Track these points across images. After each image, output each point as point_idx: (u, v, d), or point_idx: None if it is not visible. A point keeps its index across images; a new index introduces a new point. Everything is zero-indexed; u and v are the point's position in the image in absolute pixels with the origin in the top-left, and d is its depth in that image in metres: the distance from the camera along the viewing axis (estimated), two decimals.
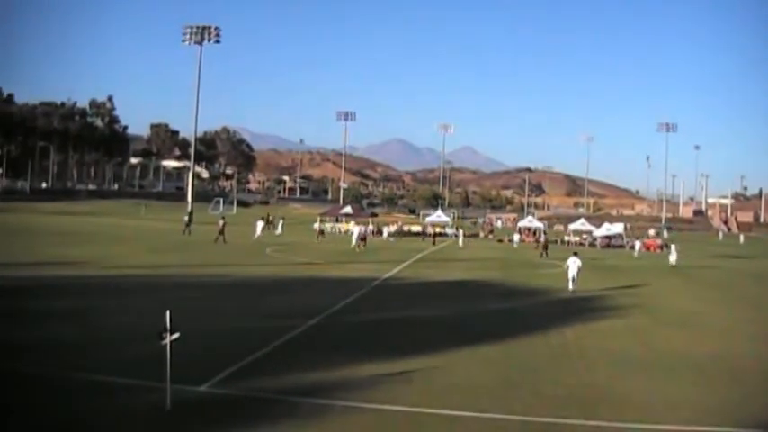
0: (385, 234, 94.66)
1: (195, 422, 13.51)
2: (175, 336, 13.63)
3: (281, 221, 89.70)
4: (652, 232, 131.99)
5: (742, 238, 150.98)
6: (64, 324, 22.39)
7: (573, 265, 40.17)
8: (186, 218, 78.86)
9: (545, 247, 69.81)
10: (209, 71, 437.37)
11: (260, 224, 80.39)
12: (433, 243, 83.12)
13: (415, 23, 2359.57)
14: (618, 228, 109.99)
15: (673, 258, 62.92)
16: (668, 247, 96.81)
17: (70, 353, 18.29)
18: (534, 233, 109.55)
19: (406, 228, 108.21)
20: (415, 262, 56.01)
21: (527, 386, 17.36)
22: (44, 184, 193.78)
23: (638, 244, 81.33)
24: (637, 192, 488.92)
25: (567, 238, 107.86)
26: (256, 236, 75.40)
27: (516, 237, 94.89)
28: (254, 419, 13.72)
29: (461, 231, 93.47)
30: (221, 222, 67.85)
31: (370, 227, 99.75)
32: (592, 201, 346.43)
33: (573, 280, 39.77)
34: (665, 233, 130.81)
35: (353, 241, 71.52)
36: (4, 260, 39.88)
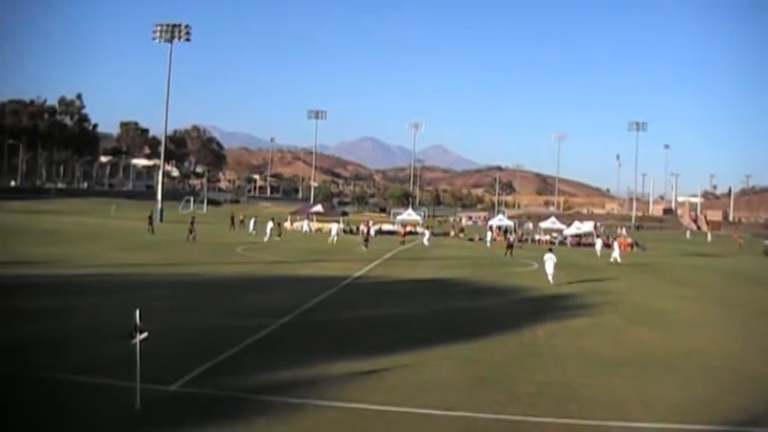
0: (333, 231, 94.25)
1: (165, 421, 13.47)
2: (144, 335, 13.59)
3: (252, 220, 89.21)
4: (623, 231, 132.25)
5: (709, 236, 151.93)
6: (33, 323, 22.23)
7: (549, 261, 42.27)
8: (149, 216, 78.20)
9: (510, 246, 68.93)
10: (180, 69, 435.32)
11: (270, 224, 79.79)
12: (402, 242, 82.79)
13: (386, 22, 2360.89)
14: (588, 226, 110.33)
15: (615, 254, 63.75)
16: (637, 245, 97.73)
17: (40, 352, 18.18)
18: (506, 232, 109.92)
19: (377, 227, 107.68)
20: (385, 261, 56.01)
21: (498, 384, 17.41)
22: (12, 183, 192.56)
23: (599, 242, 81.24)
24: (607, 190, 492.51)
25: (537, 237, 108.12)
26: (266, 238, 74.86)
27: (489, 235, 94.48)
28: (225, 418, 13.69)
29: (427, 230, 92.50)
30: (191, 221, 67.61)
31: (377, 226, 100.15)
32: (562, 199, 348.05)
33: (551, 275, 41.90)
34: (623, 231, 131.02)
35: (332, 238, 73.09)
36: None
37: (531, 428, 14.22)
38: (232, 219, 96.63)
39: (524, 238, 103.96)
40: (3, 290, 29.69)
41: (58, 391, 14.96)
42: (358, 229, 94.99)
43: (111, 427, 13.07)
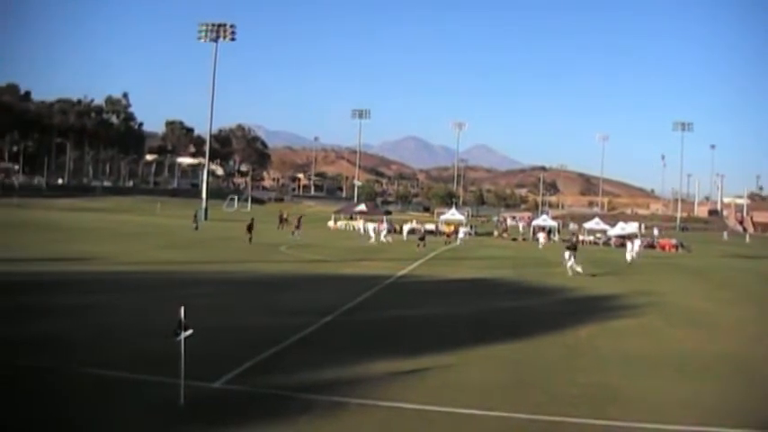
0: (405, 231, 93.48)
1: (208, 418, 13.52)
2: (189, 332, 13.68)
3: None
4: (656, 232, 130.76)
5: (747, 237, 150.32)
6: (78, 320, 22.41)
7: (569, 257, 47.42)
8: (194, 214, 78.64)
9: (573, 248, 66.94)
10: (225, 68, 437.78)
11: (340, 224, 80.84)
12: (447, 242, 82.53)
13: (432, 21, 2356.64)
14: (632, 227, 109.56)
15: (629, 255, 63.25)
16: (682, 246, 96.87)
17: (84, 348, 18.31)
18: (549, 232, 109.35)
19: (421, 226, 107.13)
20: (429, 260, 55.96)
21: (539, 385, 17.32)
22: (60, 181, 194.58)
23: (636, 243, 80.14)
24: (652, 191, 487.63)
25: (581, 237, 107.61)
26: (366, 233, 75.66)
27: (542, 236, 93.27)
28: (268, 416, 13.72)
29: (462, 229, 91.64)
30: (250, 221, 64.61)
31: (430, 225, 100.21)
32: (606, 200, 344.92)
33: (571, 268, 46.39)
34: (656, 232, 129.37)
35: (379, 238, 73.05)
36: (21, 255, 40.14)
37: (571, 429, 14.12)
38: (280, 217, 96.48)
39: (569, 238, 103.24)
40: (47, 286, 30.00)
41: (100, 386, 15.08)
42: (400, 228, 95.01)
43: (155, 423, 13.12)
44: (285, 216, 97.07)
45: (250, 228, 61.88)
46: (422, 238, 70.99)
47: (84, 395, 14.46)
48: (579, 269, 46.52)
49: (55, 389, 14.73)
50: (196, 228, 73.85)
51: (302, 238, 71.82)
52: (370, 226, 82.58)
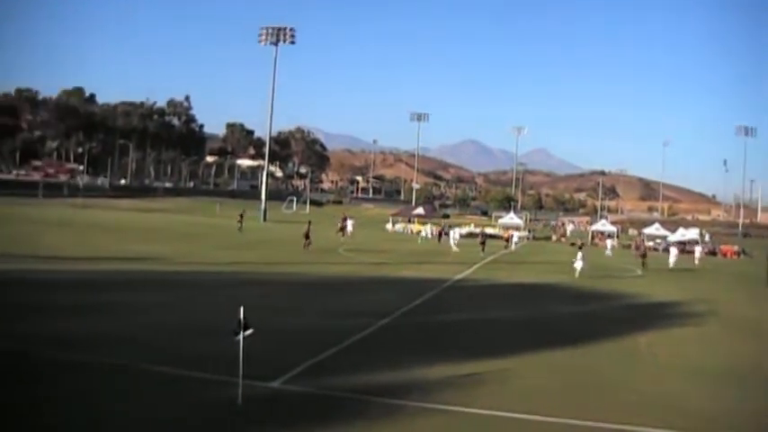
0: (455, 236, 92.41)
1: (266, 418, 13.59)
2: (249, 332, 13.77)
3: (350, 222, 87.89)
4: (707, 238, 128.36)
5: None
6: (139, 318, 22.70)
7: (578, 259, 47.65)
8: (241, 215, 78.46)
9: (644, 256, 64.85)
10: (284, 71, 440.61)
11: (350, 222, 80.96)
12: (506, 246, 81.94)
13: (490, 25, 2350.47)
14: (693, 233, 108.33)
15: (672, 261, 62.42)
16: (744, 253, 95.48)
17: (144, 346, 18.53)
18: (609, 237, 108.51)
19: (479, 229, 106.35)
20: (487, 264, 55.80)
21: (599, 391, 17.18)
22: (123, 181, 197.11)
23: (698, 250, 78.84)
24: (713, 196, 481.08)
25: (649, 244, 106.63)
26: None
27: (610, 243, 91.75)
28: (325, 417, 13.74)
29: (516, 233, 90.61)
30: (307, 225, 59.65)
31: (490, 229, 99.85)
32: (666, 205, 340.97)
33: (578, 270, 47.01)
34: (707, 238, 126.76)
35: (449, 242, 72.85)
36: (84, 254, 40.72)
37: None
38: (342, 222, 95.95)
39: (627, 244, 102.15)
40: (110, 284, 30.36)
41: (162, 384, 15.24)
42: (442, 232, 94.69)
43: (214, 422, 13.22)
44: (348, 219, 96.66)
45: (307, 235, 57.37)
46: (483, 243, 70.52)
47: (147, 393, 14.61)
48: (578, 268, 47.35)
49: (118, 386, 14.91)
50: (240, 229, 73.50)
51: (347, 239, 71.97)
52: (428, 228, 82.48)
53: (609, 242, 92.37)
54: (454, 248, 66.16)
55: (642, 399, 16.77)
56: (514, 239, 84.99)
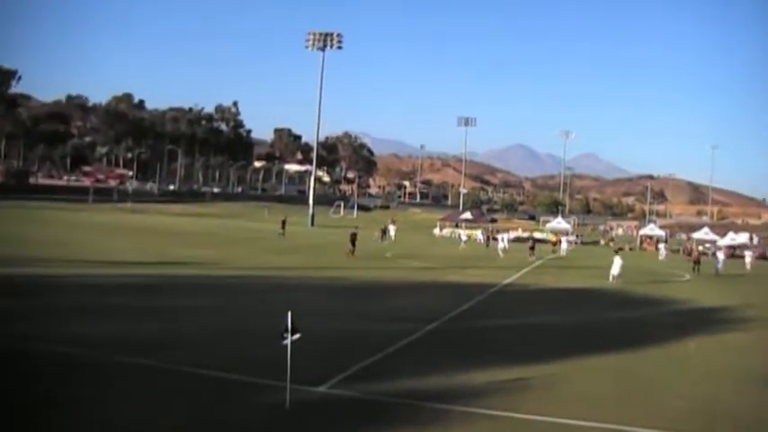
0: (504, 242, 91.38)
1: (314, 422, 13.66)
2: (296, 336, 13.85)
3: (392, 227, 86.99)
4: (754, 242, 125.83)
5: None
6: (188, 321, 22.95)
7: (616, 263, 46.27)
8: (283, 221, 76.72)
9: (697, 261, 63.56)
10: (332, 76, 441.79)
11: (392, 227, 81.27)
12: (554, 251, 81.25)
13: (537, 29, 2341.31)
14: (743, 237, 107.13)
15: (720, 266, 61.16)
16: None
17: (193, 350, 18.72)
18: (657, 242, 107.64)
19: (527, 234, 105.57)
20: (534, 268, 55.62)
21: (647, 397, 17.08)
22: (171, 186, 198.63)
23: (749, 255, 77.32)
24: (764, 200, 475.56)
25: (700, 248, 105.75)
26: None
27: (663, 247, 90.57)
28: (373, 422, 13.81)
29: (565, 239, 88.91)
30: (354, 230, 58.34)
31: (539, 234, 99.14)
32: (716, 209, 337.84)
33: (614, 276, 45.88)
34: (756, 242, 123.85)
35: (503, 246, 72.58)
36: (135, 259, 41.18)
37: None
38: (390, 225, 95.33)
39: (676, 249, 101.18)
40: (160, 289, 30.68)
41: (208, 388, 15.39)
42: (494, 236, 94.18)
43: (262, 424, 13.34)
44: (391, 224, 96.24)
45: (353, 240, 55.47)
46: (532, 248, 69.93)
47: (193, 396, 14.77)
48: (614, 274, 46.26)
49: (166, 389, 15.09)
50: (282, 234, 72.68)
51: (390, 243, 71.96)
52: (478, 233, 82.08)
53: (662, 246, 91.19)
54: (501, 254, 65.68)
55: (690, 405, 16.66)
56: (564, 245, 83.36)
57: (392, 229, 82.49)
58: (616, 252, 49.96)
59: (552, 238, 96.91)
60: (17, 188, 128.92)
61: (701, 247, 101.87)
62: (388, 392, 15.72)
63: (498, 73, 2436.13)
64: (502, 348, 22.26)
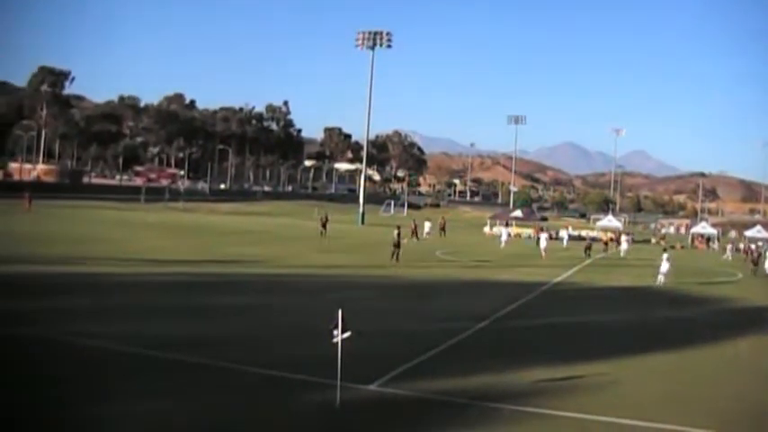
0: (565, 239, 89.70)
1: (364, 420, 13.82)
2: (347, 334, 13.97)
3: (427, 224, 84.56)
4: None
5: None
6: (238, 320, 23.25)
7: (664, 262, 43.64)
8: (323, 218, 72.31)
9: (755, 263, 60.58)
10: (382, 75, 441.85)
11: (428, 224, 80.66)
12: (605, 249, 79.62)
13: (586, 26, 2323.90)
14: None
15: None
16: None
17: (243, 348, 19.01)
18: (708, 240, 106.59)
19: (585, 233, 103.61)
20: (585, 267, 55.33)
21: (698, 398, 17.02)
22: (222, 186, 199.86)
23: None
24: None
25: (741, 246, 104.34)
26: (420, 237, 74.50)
27: (730, 248, 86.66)
28: (422, 421, 13.92)
29: (625, 238, 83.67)
30: (396, 232, 54.39)
31: (593, 233, 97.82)
32: None
33: (662, 275, 43.28)
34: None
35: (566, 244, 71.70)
36: (188, 258, 41.61)
37: None
38: (441, 225, 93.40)
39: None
40: (211, 287, 31.01)
41: (259, 386, 15.65)
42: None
43: (313, 422, 13.50)
44: (443, 222, 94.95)
45: (397, 243, 48.58)
46: (588, 247, 68.35)
47: (244, 394, 14.96)
48: (663, 273, 43.49)
49: (217, 387, 15.30)
50: (323, 234, 68.90)
51: (422, 240, 71.70)
52: (543, 235, 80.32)
53: (729, 246, 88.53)
54: (543, 254, 63.63)
55: (741, 406, 16.57)
56: (624, 245, 77.85)
57: (427, 226, 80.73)
58: (665, 250, 48.13)
59: (603, 236, 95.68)
60: (71, 188, 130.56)
61: (752, 246, 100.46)
62: (437, 391, 15.82)
63: (548, 71, 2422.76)
64: (551, 347, 22.25)
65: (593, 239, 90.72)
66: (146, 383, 15.21)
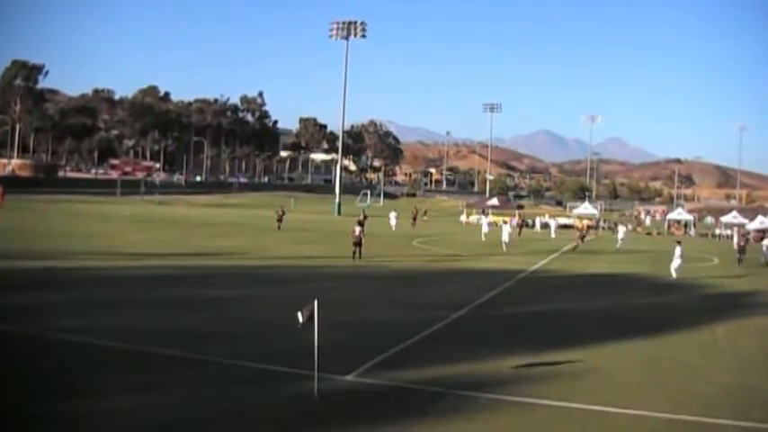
0: (552, 228, 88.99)
1: (342, 410, 13.76)
2: (300, 323, 13.90)
3: (393, 214, 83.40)
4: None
5: None
6: (214, 312, 23.11)
7: (677, 254, 41.49)
8: (278, 212, 69.97)
9: (742, 251, 56.52)
10: (357, 65, 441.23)
11: (393, 214, 79.86)
12: (582, 239, 78.60)
13: (560, 14, 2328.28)
14: None
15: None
16: None
17: (219, 340, 18.92)
18: (685, 226, 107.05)
19: (580, 222, 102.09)
20: (562, 254, 55.45)
21: (676, 383, 17.05)
22: (198, 178, 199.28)
23: None
24: None
25: (717, 231, 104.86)
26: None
27: (737, 237, 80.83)
28: (400, 410, 13.88)
29: (621, 227, 77.17)
30: (361, 216, 53.53)
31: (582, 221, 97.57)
32: (745, 192, 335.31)
33: (674, 270, 40.91)
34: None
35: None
36: (164, 251, 41.42)
37: (710, 430, 13.87)
38: (414, 214, 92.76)
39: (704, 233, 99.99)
40: (186, 280, 30.86)
41: (236, 378, 15.55)
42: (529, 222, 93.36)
43: (291, 414, 13.42)
44: (416, 212, 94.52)
45: (358, 241, 43.16)
46: (582, 236, 65.95)
47: (222, 385, 14.87)
48: (675, 268, 41.01)
49: (195, 380, 15.21)
50: (279, 228, 66.07)
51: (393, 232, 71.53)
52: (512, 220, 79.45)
53: (735, 237, 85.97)
54: (504, 247, 61.18)
55: (720, 390, 16.62)
56: (620, 234, 70.68)
57: (393, 218, 79.47)
58: (678, 243, 43.84)
59: (579, 224, 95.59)
60: (46, 182, 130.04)
61: (728, 231, 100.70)
62: (416, 380, 15.79)
63: (523, 58, 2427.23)
64: (529, 335, 22.29)
65: (565, 226, 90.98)
66: (121, 377, 15.09)
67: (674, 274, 40.81)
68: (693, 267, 47.62)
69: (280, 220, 67.94)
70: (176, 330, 19.73)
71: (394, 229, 73.84)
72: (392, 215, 78.78)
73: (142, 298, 25.19)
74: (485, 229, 70.30)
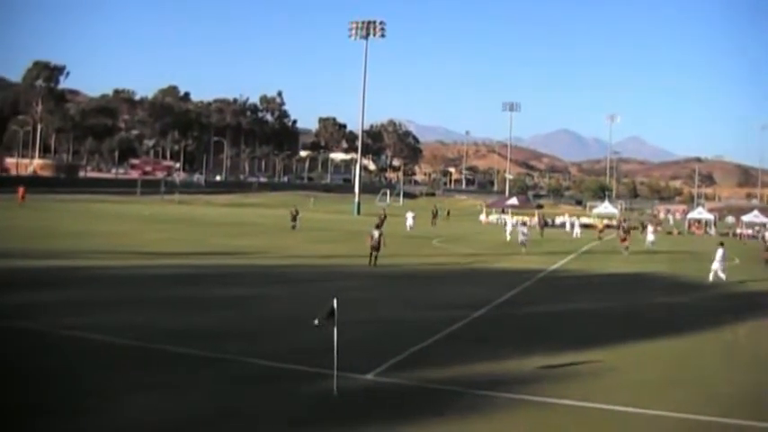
0: (576, 228, 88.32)
1: (362, 409, 13.75)
2: (316, 322, 13.91)
3: (410, 214, 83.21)
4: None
5: None
6: (233, 311, 23.16)
7: (718, 256, 39.77)
8: (292, 212, 69.57)
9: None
10: (376, 65, 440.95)
11: (410, 215, 79.48)
12: (600, 237, 78.96)
13: (579, 14, 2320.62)
14: None
15: None
16: None
17: (238, 339, 18.96)
18: (705, 225, 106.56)
19: (599, 221, 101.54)
20: (581, 254, 55.32)
21: (696, 383, 16.98)
22: (218, 177, 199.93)
23: None
24: None
25: (738, 231, 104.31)
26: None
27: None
28: (419, 409, 13.86)
29: (650, 227, 75.51)
30: (382, 215, 52.13)
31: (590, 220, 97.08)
32: (766, 191, 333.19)
33: (716, 270, 39.22)
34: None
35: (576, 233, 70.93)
36: (184, 250, 41.54)
37: (731, 430, 13.80)
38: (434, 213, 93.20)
39: (725, 232, 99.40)
40: (206, 279, 30.93)
41: (256, 377, 15.58)
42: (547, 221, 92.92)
43: (311, 412, 13.42)
44: (436, 211, 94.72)
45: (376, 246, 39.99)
46: (624, 239, 64.32)
47: (242, 385, 14.89)
48: (715, 270, 39.46)
49: (215, 379, 15.24)
50: (294, 228, 66.11)
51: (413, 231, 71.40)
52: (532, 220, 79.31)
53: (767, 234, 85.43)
54: (523, 250, 60.30)
55: (740, 391, 16.54)
56: (650, 236, 68.67)
57: (410, 218, 79.15)
58: (721, 244, 41.88)
59: (598, 224, 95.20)
60: (67, 182, 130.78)
61: (749, 230, 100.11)
62: (435, 380, 15.78)
63: (542, 58, 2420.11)
64: (548, 334, 22.23)
65: (587, 226, 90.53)
66: (138, 375, 15.12)
67: (722, 276, 39.19)
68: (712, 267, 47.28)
69: (294, 219, 67.70)
70: (193, 328, 19.81)
71: (409, 230, 73.45)
72: (409, 215, 78.41)
73: (160, 296, 25.25)
74: (509, 228, 70.15)
